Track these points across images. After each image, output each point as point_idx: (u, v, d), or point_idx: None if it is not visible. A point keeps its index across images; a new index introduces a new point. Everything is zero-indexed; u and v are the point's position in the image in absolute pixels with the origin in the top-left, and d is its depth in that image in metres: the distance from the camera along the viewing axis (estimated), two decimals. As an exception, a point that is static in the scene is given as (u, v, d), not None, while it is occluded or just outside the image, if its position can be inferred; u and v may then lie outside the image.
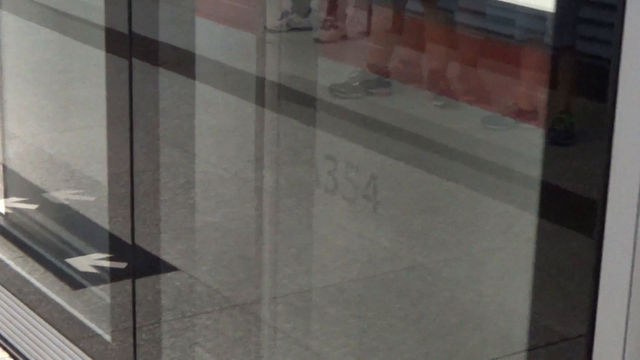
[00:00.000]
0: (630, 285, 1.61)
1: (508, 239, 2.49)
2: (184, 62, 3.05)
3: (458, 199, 2.77)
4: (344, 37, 3.16)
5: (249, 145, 3.16)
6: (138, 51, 2.93)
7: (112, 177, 3.15)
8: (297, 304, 3.14)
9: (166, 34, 2.97)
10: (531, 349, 1.90)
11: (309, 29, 3.27)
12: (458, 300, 2.75)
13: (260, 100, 3.11)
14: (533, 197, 1.88)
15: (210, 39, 3.22)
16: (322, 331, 3.04)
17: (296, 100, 3.06)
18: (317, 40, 3.23)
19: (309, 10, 3.34)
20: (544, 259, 1.87)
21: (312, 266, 3.12)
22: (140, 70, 2.95)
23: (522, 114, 2.33)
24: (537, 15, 2.09)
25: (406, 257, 2.93)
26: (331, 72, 3.11)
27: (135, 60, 2.93)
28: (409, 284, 2.90)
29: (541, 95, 2.00)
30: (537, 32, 2.17)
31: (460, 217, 2.77)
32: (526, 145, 2.04)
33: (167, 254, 3.16)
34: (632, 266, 1.60)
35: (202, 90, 3.17)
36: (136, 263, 3.12)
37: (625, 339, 1.63)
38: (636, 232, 1.59)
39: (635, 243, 1.59)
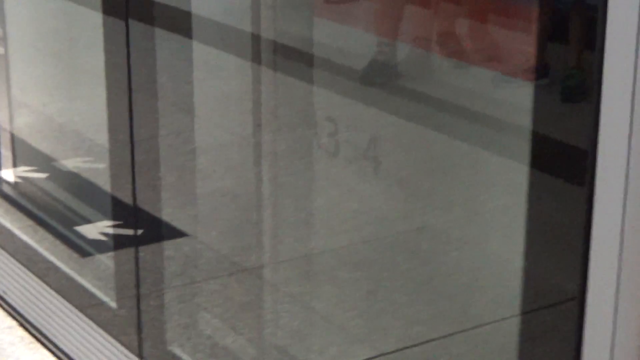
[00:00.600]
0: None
1: (515, 196, 2.48)
2: (199, 28, 3.06)
3: (474, 156, 2.77)
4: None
5: (258, 108, 3.16)
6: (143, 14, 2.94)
7: (115, 143, 3.15)
8: (305, 267, 3.15)
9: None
10: (527, 312, 1.91)
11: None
12: (464, 260, 2.75)
13: (268, 62, 3.10)
14: (543, 153, 1.88)
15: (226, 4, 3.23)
16: (330, 293, 3.05)
17: (304, 61, 3.05)
18: (328, 1, 3.22)
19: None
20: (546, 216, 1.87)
21: (318, 228, 3.13)
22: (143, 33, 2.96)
23: (533, 72, 2.31)
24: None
25: (413, 218, 2.93)
26: (341, 34, 3.10)
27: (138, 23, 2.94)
28: (415, 244, 2.90)
29: (553, 52, 1.98)
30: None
31: (472, 175, 2.77)
32: (537, 103, 2.02)
33: (174, 220, 3.17)
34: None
35: (214, 54, 3.18)
36: (140, 227, 3.12)
37: (617, 295, 1.63)
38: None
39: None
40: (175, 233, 3.16)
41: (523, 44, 2.34)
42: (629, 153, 1.59)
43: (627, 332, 1.65)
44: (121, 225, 3.30)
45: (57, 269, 3.49)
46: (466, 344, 2.67)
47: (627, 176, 1.60)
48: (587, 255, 1.67)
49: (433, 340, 2.79)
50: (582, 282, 1.69)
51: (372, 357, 2.88)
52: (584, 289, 1.68)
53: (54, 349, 3.44)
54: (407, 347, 2.83)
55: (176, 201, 3.19)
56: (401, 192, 2.96)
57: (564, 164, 1.80)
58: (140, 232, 3.15)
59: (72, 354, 3.37)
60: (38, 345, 3.48)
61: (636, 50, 1.55)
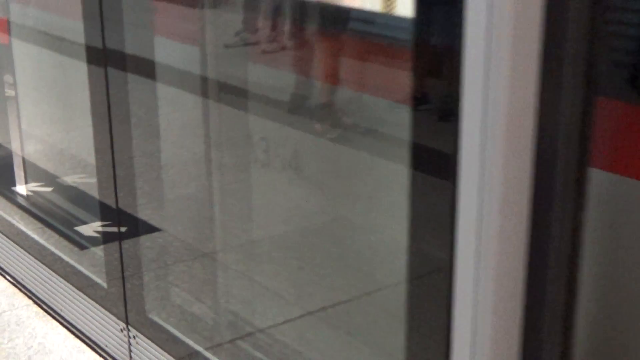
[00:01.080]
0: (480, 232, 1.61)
1: (404, 192, 2.49)
2: (166, 74, 3.04)
3: (365, 164, 2.77)
4: (283, 48, 3.14)
5: (209, 131, 3.13)
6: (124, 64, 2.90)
7: (101, 162, 3.10)
8: (250, 251, 3.13)
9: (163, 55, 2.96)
10: (413, 278, 1.90)
11: (258, 43, 3.24)
12: (367, 242, 2.75)
13: (216, 98, 3.08)
14: (424, 158, 1.88)
15: (182, 55, 3.19)
16: (269, 270, 3.03)
17: (243, 96, 3.04)
18: (263, 51, 3.20)
19: (257, 29, 3.31)
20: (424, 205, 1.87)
21: (260, 221, 3.11)
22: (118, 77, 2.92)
23: (418, 100, 2.31)
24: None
25: (328, 211, 2.93)
26: (272, 75, 3.09)
27: (114, 70, 2.90)
28: (331, 231, 2.90)
29: (429, 84, 1.98)
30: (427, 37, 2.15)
31: (372, 177, 2.76)
32: (420, 122, 2.02)
33: (150, 219, 3.13)
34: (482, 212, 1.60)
35: (175, 93, 3.15)
36: (123, 225, 3.09)
37: (477, 262, 1.63)
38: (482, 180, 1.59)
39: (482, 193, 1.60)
40: (151, 229, 3.13)
41: (409, 79, 2.35)
42: (482, 157, 1.59)
43: (486, 290, 1.66)
44: (109, 225, 3.25)
45: (61, 260, 3.44)
46: (370, 303, 2.67)
47: (481, 174, 1.60)
48: (454, 234, 1.67)
49: (345, 302, 2.80)
50: (451, 254, 1.69)
51: (301, 315, 2.87)
52: (452, 259, 1.69)
53: (61, 320, 3.40)
54: (325, 307, 2.83)
55: (150, 205, 3.15)
56: (318, 192, 2.95)
57: (438, 166, 1.79)
58: (123, 229, 3.11)
59: (74, 323, 3.32)
60: (49, 318, 3.44)
61: (485, 86, 1.55)
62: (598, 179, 1.72)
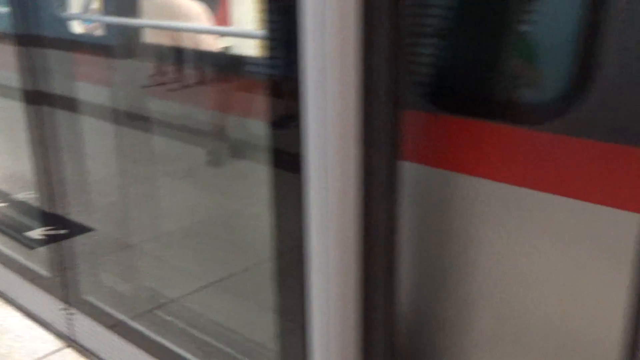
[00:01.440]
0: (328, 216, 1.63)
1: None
2: (92, 109, 2.96)
3: (248, 169, 2.77)
4: (185, 86, 3.12)
5: (128, 152, 3.07)
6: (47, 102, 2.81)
7: (41, 182, 3.00)
8: (164, 240, 3.09)
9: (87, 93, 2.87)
10: (280, 253, 1.90)
11: (166, 83, 3.21)
12: (254, 228, 2.75)
13: (132, 126, 3.03)
14: (282, 160, 1.88)
15: (107, 95, 3.12)
16: (179, 253, 3.00)
17: (154, 123, 3.00)
18: (170, 89, 3.17)
19: (164, 73, 3.28)
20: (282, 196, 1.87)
21: (170, 217, 3.08)
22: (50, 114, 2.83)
23: (275, 119, 2.30)
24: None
25: (223, 206, 2.93)
26: (178, 107, 3.07)
27: (46, 107, 2.82)
28: (226, 221, 2.89)
29: (284, 106, 1.98)
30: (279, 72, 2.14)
31: (250, 179, 2.77)
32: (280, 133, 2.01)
33: (84, 222, 3.05)
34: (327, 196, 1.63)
35: (101, 124, 3.07)
36: (63, 228, 3.00)
37: (326, 239, 1.66)
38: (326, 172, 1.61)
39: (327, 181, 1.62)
40: (85, 229, 3.05)
41: (270, 104, 2.36)
42: (323, 156, 1.62)
43: (333, 259, 1.69)
44: (52, 229, 3.15)
45: (14, 259, 3.32)
46: (255, 274, 2.68)
47: (325, 168, 1.63)
48: (306, 215, 1.69)
49: (237, 273, 2.80)
50: (303, 233, 1.71)
51: (204, 286, 2.86)
52: (305, 237, 1.71)
53: (16, 305, 3.27)
54: (224, 279, 2.83)
55: (85, 211, 3.07)
56: (215, 194, 2.95)
57: (293, 163, 1.79)
58: (63, 231, 3.02)
59: (27, 307, 3.20)
60: (7, 305, 3.31)
61: (322, 107, 1.58)
62: (410, 169, 1.77)
